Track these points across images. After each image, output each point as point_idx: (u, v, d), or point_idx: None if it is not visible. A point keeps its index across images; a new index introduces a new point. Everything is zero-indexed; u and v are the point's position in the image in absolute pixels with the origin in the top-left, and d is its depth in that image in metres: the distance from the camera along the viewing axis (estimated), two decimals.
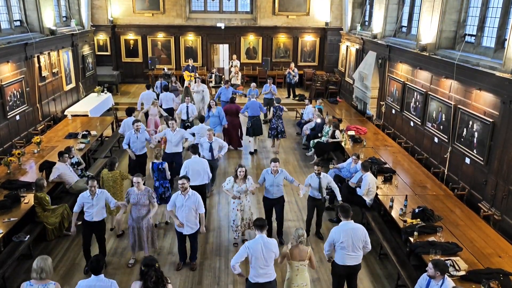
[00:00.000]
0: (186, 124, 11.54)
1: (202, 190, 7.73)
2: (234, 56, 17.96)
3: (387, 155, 10.15)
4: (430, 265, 4.96)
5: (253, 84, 13.73)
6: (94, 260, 4.77)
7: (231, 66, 17.39)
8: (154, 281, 4.55)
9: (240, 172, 7.26)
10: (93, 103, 14.10)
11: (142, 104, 12.62)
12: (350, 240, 5.55)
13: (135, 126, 9.13)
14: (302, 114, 13.51)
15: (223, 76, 17.44)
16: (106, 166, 7.81)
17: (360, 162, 8.45)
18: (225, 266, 7.11)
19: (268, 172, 7.45)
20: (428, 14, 10.14)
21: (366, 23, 15.79)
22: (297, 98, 17.01)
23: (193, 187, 6.88)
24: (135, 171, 7.68)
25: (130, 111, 10.57)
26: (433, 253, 5.89)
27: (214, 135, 9.27)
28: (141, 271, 4.63)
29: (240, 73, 17.00)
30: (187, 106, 11.72)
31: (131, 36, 18.87)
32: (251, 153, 12.21)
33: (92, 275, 4.71)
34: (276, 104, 12.00)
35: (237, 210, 7.49)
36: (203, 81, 15.52)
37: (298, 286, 5.42)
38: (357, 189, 8.17)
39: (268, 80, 14.45)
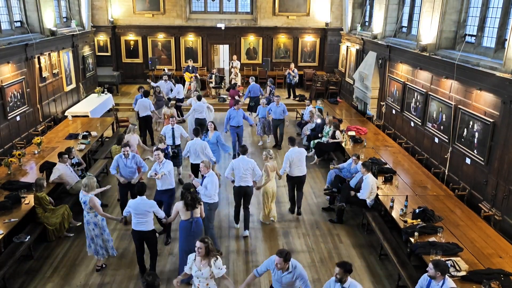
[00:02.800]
0: (172, 152, 9.59)
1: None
2: (235, 57, 17.97)
3: (388, 156, 10.14)
4: (430, 265, 4.96)
5: (263, 101, 12.52)
6: (139, 185, 6.49)
7: (231, 66, 17.42)
8: (191, 199, 6.14)
9: (199, 248, 5.04)
10: (94, 103, 14.11)
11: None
12: (297, 158, 8.37)
13: (123, 150, 7.96)
14: (303, 114, 13.51)
15: (224, 77, 17.44)
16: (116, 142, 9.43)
17: (360, 162, 8.46)
18: (225, 267, 7.09)
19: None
20: (428, 14, 10.14)
21: (366, 24, 15.79)
22: (297, 99, 17.00)
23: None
24: (125, 199, 7.89)
25: (146, 93, 12.30)
26: (434, 254, 5.89)
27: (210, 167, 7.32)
28: (181, 193, 6.29)
29: (239, 74, 17.04)
30: (173, 129, 9.79)
31: (131, 37, 18.88)
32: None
33: (138, 196, 6.37)
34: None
35: None
36: (201, 89, 15.30)
37: (272, 187, 8.20)
38: (358, 194, 8.16)
39: (276, 98, 12.42)
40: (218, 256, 5.17)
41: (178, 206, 6.28)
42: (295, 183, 8.65)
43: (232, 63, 17.58)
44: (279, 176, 8.48)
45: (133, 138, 9.65)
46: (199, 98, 12.01)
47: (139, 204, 6.34)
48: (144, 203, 6.36)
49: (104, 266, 7.03)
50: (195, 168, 8.81)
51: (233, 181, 7.97)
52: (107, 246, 6.89)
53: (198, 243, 5.03)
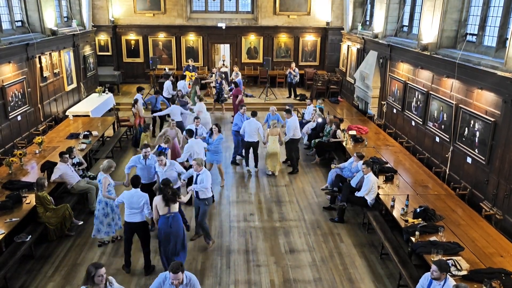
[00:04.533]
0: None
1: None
2: (224, 56, 18.48)
3: (389, 155, 10.14)
4: (434, 267, 4.95)
5: (272, 108, 11.39)
6: (134, 177, 6.70)
7: (223, 65, 17.78)
8: (171, 194, 6.33)
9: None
10: (94, 103, 14.11)
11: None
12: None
13: (144, 151, 7.89)
14: (303, 114, 13.49)
15: (222, 76, 17.43)
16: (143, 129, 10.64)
17: (361, 161, 8.46)
18: (226, 266, 7.11)
19: None
20: (429, 13, 10.13)
21: (367, 23, 15.77)
22: (298, 98, 16.99)
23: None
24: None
25: (140, 89, 13.17)
26: (435, 253, 5.88)
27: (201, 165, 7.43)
28: (160, 189, 6.50)
29: (240, 74, 17.04)
30: (196, 129, 9.88)
31: (132, 36, 18.88)
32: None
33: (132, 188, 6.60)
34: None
35: None
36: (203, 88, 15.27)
37: (273, 149, 10.36)
38: (356, 192, 8.18)
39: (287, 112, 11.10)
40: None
41: (156, 200, 6.39)
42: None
43: (223, 62, 17.99)
44: (282, 142, 10.69)
45: (171, 132, 10.08)
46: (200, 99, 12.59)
47: (132, 196, 6.53)
48: (138, 195, 6.55)
49: (106, 242, 7.58)
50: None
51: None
52: (116, 223, 7.50)
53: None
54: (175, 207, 6.51)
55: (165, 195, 6.38)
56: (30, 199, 7.46)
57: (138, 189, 6.63)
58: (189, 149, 8.99)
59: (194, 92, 14.90)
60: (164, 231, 6.48)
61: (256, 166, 10.90)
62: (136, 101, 12.35)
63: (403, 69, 11.75)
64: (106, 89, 15.54)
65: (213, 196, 8.49)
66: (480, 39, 8.91)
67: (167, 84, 15.09)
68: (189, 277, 4.92)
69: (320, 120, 11.91)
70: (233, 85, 15.25)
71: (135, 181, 6.66)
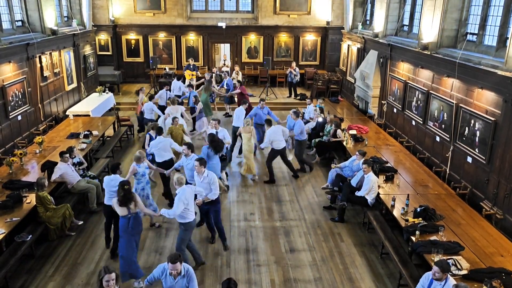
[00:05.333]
0: (221, 156, 8.97)
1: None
2: (225, 56, 18.61)
3: (389, 154, 10.13)
4: (436, 269, 4.94)
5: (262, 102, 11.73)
6: (113, 164, 7.35)
7: (224, 65, 17.83)
8: (122, 196, 6.20)
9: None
10: (95, 103, 14.11)
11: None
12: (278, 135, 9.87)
13: (183, 149, 8.07)
14: (303, 113, 13.49)
15: (223, 75, 17.43)
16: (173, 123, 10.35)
17: (363, 159, 8.46)
18: (226, 266, 7.12)
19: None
20: (429, 12, 10.12)
21: (368, 22, 15.77)
22: (298, 98, 17.00)
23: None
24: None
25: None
26: (435, 252, 5.88)
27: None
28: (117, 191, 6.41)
29: (240, 73, 17.04)
30: (217, 132, 9.55)
31: (132, 36, 18.88)
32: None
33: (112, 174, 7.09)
34: None
35: None
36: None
37: (249, 145, 10.21)
38: (357, 192, 8.17)
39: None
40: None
41: (113, 202, 6.45)
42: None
43: (224, 62, 18.04)
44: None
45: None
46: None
47: (111, 181, 6.97)
48: (116, 179, 6.91)
49: (157, 225, 8.21)
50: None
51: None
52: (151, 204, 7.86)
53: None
54: (134, 208, 6.30)
55: (118, 197, 6.32)
56: (31, 199, 7.45)
57: (117, 175, 7.06)
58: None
59: (205, 99, 12.92)
60: (122, 232, 6.33)
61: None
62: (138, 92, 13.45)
63: (404, 69, 11.74)
64: (106, 89, 15.54)
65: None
66: (481, 39, 8.90)
67: (177, 83, 14.94)
68: (187, 268, 5.08)
69: (320, 119, 11.91)
70: (236, 83, 15.21)
71: (113, 167, 7.19)
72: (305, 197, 9.63)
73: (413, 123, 11.05)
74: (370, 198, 8.01)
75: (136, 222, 6.35)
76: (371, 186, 7.93)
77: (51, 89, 13.14)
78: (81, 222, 8.12)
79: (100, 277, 4.56)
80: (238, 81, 15.41)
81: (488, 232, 6.78)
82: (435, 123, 9.89)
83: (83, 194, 8.64)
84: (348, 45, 16.93)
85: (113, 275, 4.57)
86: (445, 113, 9.42)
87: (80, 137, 10.69)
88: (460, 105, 8.81)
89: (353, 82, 15.78)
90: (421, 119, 10.54)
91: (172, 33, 18.88)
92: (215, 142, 8.32)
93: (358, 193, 8.16)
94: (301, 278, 6.84)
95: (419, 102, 10.73)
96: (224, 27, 18.47)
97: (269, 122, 10.40)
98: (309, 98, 14.14)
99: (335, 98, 16.07)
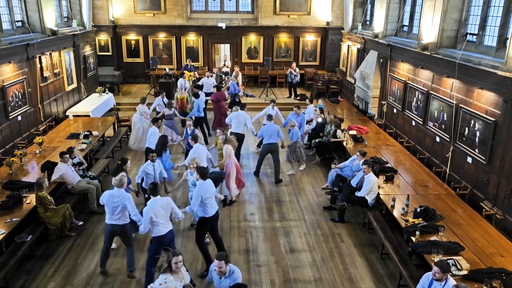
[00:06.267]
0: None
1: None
2: (225, 56, 18.71)
3: (389, 155, 10.13)
4: (436, 269, 4.94)
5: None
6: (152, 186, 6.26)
7: (224, 65, 17.85)
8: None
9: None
10: (95, 103, 14.11)
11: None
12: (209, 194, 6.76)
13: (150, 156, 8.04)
14: (304, 113, 13.48)
15: (223, 76, 17.44)
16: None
17: (363, 159, 8.46)
18: None
19: None
20: (429, 13, 10.13)
21: (367, 23, 15.78)
22: (298, 98, 16.99)
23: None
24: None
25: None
26: (435, 253, 5.88)
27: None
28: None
29: (240, 73, 17.04)
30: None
31: (132, 36, 18.88)
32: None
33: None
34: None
35: None
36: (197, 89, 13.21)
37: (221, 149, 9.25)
38: (357, 192, 8.17)
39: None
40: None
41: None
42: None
43: (224, 62, 18.06)
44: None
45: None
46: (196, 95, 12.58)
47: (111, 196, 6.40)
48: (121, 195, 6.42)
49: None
50: None
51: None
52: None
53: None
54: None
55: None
56: (31, 199, 7.46)
57: (123, 190, 6.53)
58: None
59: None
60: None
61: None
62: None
63: (404, 69, 11.74)
64: (107, 89, 15.54)
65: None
66: (481, 39, 8.91)
67: (182, 81, 14.81)
68: (232, 270, 5.04)
69: (320, 120, 11.91)
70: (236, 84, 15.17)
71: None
72: (305, 197, 9.63)
73: (413, 123, 11.05)
74: (370, 199, 8.02)
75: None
76: (371, 186, 7.94)
77: (51, 89, 13.14)
78: (81, 223, 8.12)
79: (169, 259, 4.80)
80: (216, 86, 14.31)
81: (488, 232, 6.78)
82: (435, 123, 9.89)
83: (83, 194, 8.64)
84: (348, 45, 16.93)
85: (180, 257, 4.89)
86: (445, 114, 9.43)
87: (80, 137, 10.69)
88: (460, 105, 8.82)
89: (353, 82, 15.78)
90: (421, 120, 10.54)
91: (172, 33, 18.88)
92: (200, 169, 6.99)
93: (358, 194, 8.16)
94: (301, 278, 6.84)
95: (419, 102, 10.73)
96: (224, 27, 18.48)
97: (270, 117, 10.60)
98: (309, 98, 14.12)
99: (335, 99, 16.07)
